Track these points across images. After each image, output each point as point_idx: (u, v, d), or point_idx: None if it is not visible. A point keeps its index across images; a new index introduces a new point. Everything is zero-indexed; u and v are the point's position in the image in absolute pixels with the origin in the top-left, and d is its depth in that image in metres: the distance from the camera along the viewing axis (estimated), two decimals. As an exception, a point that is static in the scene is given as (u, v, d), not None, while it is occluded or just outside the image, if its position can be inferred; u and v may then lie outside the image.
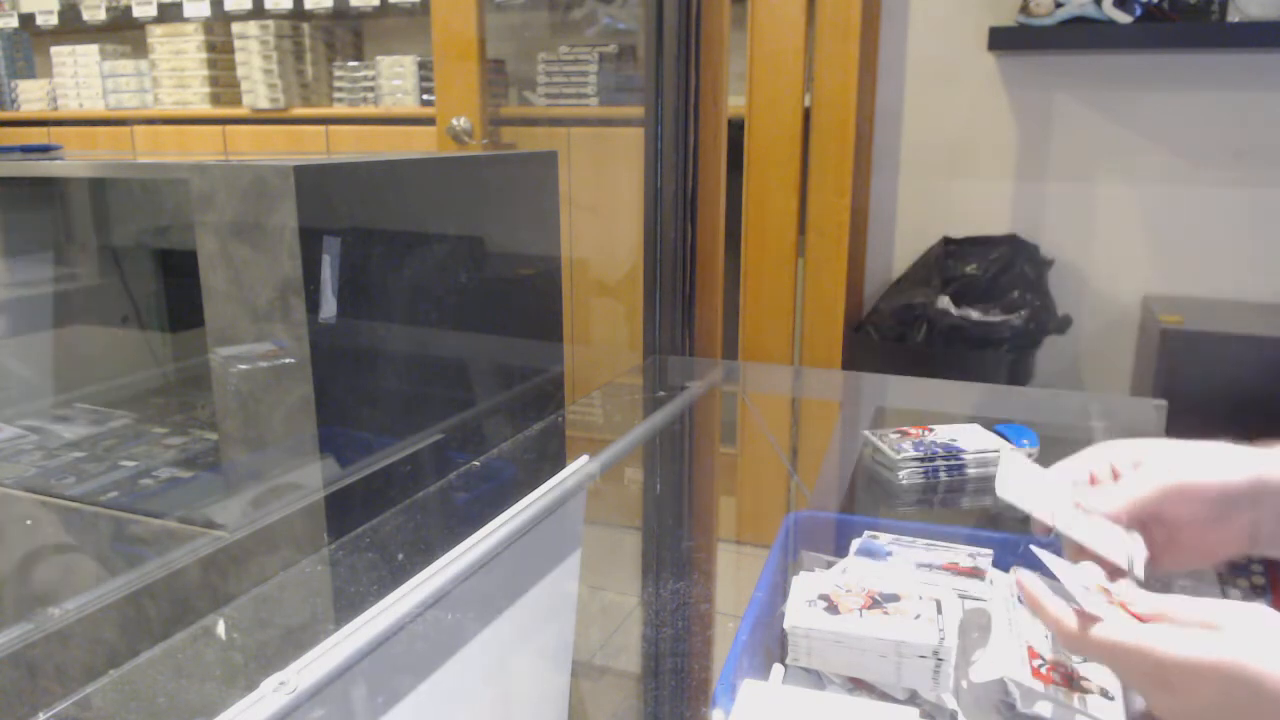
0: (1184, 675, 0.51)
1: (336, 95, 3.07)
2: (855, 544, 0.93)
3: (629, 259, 2.60)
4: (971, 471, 1.16)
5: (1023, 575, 0.63)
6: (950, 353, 2.18)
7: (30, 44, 3.68)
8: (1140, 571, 0.64)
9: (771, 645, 0.80)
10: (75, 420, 1.46)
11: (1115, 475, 0.70)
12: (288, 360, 1.01)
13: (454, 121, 2.55)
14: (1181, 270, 2.28)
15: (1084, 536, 0.65)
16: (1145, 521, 0.66)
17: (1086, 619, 0.57)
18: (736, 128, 2.23)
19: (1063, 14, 2.11)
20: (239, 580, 1.07)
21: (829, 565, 0.91)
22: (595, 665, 1.41)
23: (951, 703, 0.72)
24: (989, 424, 1.25)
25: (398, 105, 2.94)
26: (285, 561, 1.05)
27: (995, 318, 2.18)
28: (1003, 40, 2.19)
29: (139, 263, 1.64)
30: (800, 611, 0.76)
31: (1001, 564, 0.89)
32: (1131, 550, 0.64)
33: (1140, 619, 0.57)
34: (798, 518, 1.05)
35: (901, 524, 0.98)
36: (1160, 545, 0.67)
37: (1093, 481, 0.70)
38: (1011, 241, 2.31)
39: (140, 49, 3.32)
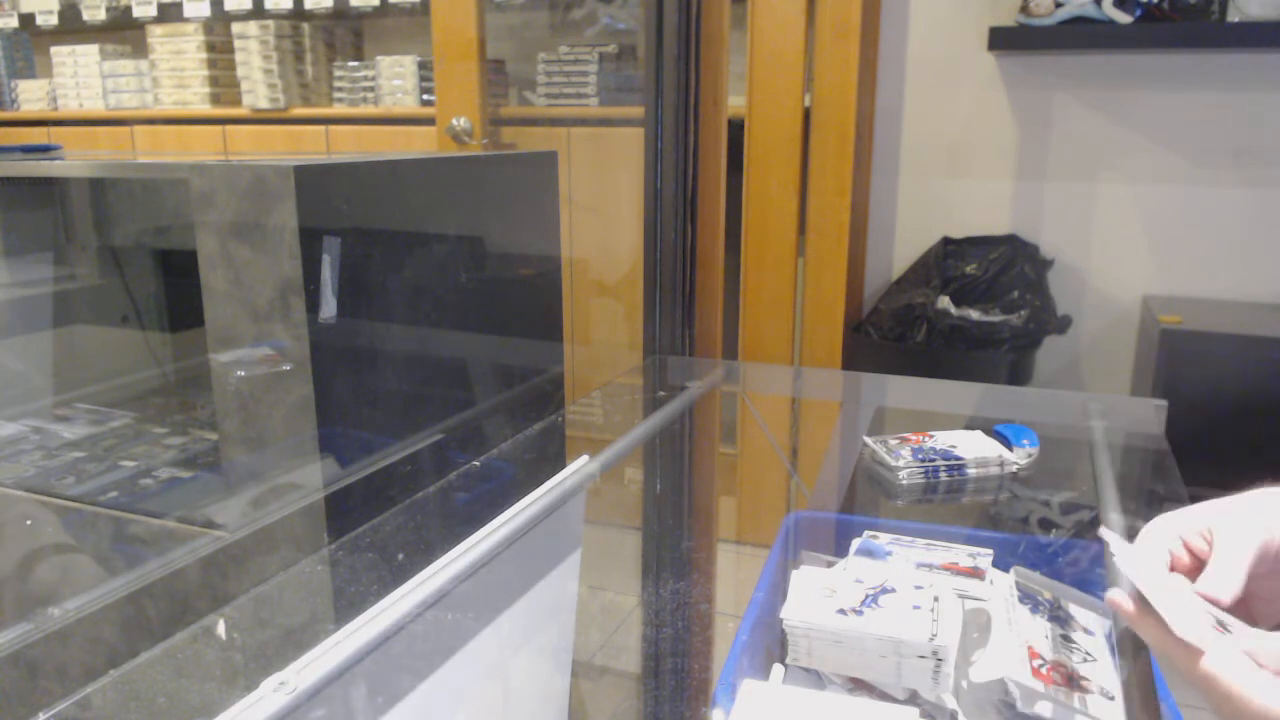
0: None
1: (336, 95, 3.07)
2: (855, 544, 0.93)
3: (629, 259, 2.60)
4: (971, 475, 1.16)
5: (1117, 596, 0.59)
6: (950, 353, 2.18)
7: (30, 44, 3.68)
8: None
9: (771, 645, 0.80)
10: (75, 420, 1.46)
11: (1190, 550, 0.63)
12: (287, 360, 1.02)
13: (454, 121, 2.55)
14: (1181, 270, 2.28)
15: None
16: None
17: (1194, 646, 0.53)
18: (736, 128, 2.23)
19: (1063, 14, 2.11)
20: (239, 580, 1.07)
21: (829, 565, 0.91)
22: (595, 665, 1.41)
23: (951, 703, 0.72)
24: (989, 424, 1.25)
25: (398, 105, 2.94)
26: (285, 561, 1.05)
27: (995, 318, 2.18)
28: (1003, 40, 2.19)
29: (139, 263, 1.64)
30: (798, 607, 0.76)
31: (1001, 564, 0.89)
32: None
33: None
34: (798, 518, 1.05)
35: (901, 524, 0.98)
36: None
37: (1174, 566, 0.63)
38: (1011, 241, 2.31)
39: (140, 49, 3.32)
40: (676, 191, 1.59)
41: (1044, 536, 1.03)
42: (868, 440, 1.23)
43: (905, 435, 1.23)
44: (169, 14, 3.25)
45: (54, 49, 3.44)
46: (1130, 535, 0.83)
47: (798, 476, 1.53)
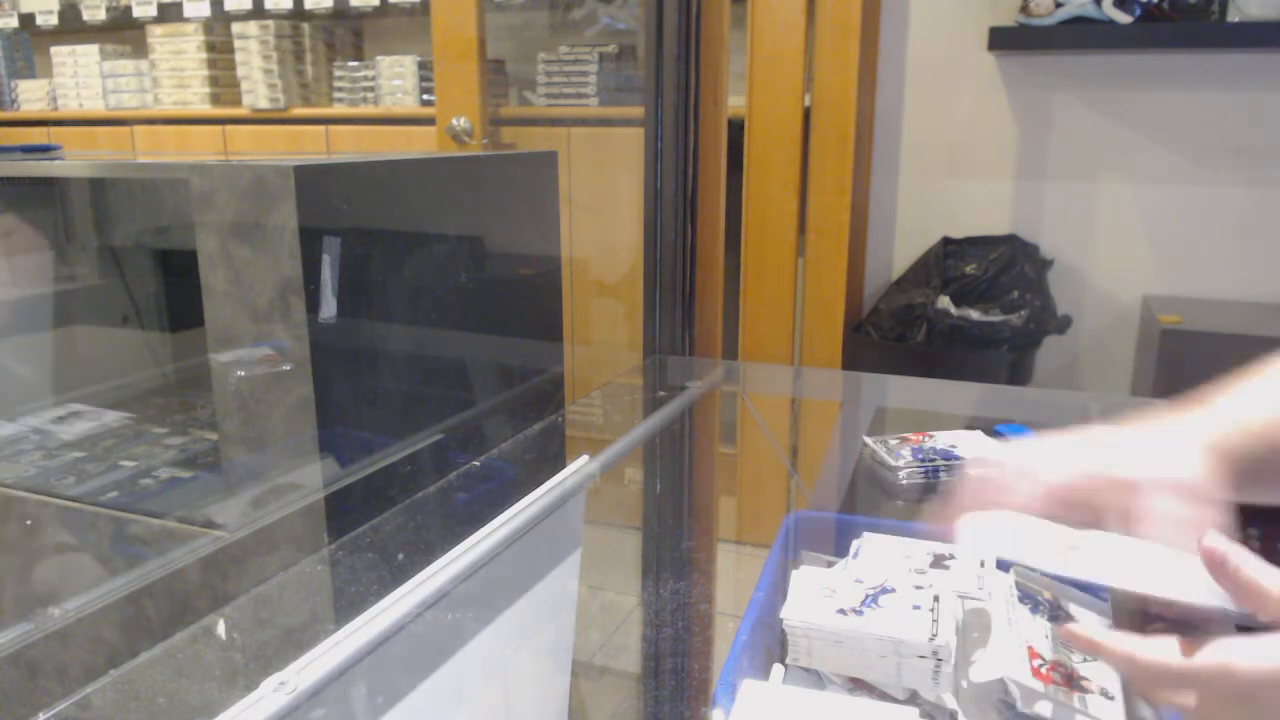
0: (1268, 686, 0.49)
1: (336, 95, 3.07)
2: (855, 544, 0.93)
3: (629, 259, 2.60)
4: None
5: (1072, 626, 0.61)
6: (950, 353, 2.18)
7: (30, 44, 3.68)
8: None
9: (771, 645, 0.80)
10: (75, 420, 1.46)
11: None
12: (287, 360, 1.02)
13: (454, 121, 2.55)
14: (1181, 270, 2.28)
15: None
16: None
17: (1159, 649, 0.54)
18: (736, 128, 2.22)
19: (1063, 14, 2.11)
20: (239, 580, 1.07)
21: (829, 565, 0.91)
22: (595, 665, 1.41)
23: (951, 703, 0.72)
24: (989, 424, 1.25)
25: (398, 105, 2.94)
26: (285, 561, 1.05)
27: (995, 318, 2.18)
28: (1003, 40, 2.19)
29: (139, 263, 1.64)
30: (798, 607, 0.76)
31: (1002, 564, 0.89)
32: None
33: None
34: (798, 518, 1.05)
35: (901, 524, 0.98)
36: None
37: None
38: (1011, 241, 2.31)
39: (140, 49, 3.32)
40: (676, 191, 1.59)
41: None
42: (868, 440, 1.23)
43: (905, 435, 1.23)
44: (169, 14, 3.25)
45: (54, 49, 3.44)
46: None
47: (798, 476, 1.53)
